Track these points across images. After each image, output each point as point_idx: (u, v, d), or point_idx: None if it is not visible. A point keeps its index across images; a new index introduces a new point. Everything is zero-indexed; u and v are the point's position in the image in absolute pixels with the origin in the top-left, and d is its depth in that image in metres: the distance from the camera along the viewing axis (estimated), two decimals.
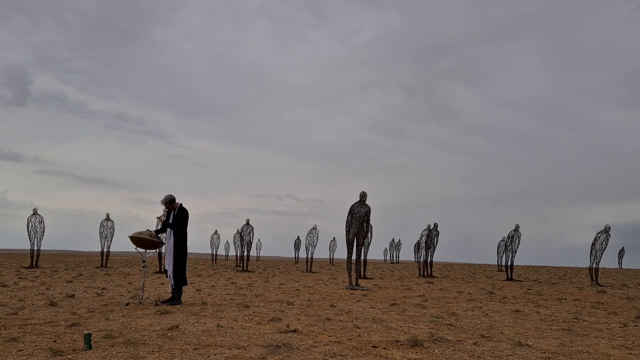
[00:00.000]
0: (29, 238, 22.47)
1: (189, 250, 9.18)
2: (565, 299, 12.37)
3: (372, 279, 19.86)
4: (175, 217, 8.96)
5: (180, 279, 8.88)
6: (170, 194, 8.99)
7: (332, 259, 44.26)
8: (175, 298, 8.82)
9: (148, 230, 9.00)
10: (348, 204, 14.21)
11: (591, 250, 20.48)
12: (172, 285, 8.88)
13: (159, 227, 9.36)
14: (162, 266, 20.35)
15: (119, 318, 7.01)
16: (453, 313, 8.58)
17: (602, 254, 20.33)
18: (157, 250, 9.03)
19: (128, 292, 11.06)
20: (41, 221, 22.67)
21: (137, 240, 8.80)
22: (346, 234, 14.01)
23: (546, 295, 13.24)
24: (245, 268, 24.81)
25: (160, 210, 9.28)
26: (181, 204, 9.07)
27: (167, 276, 9.11)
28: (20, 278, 14.85)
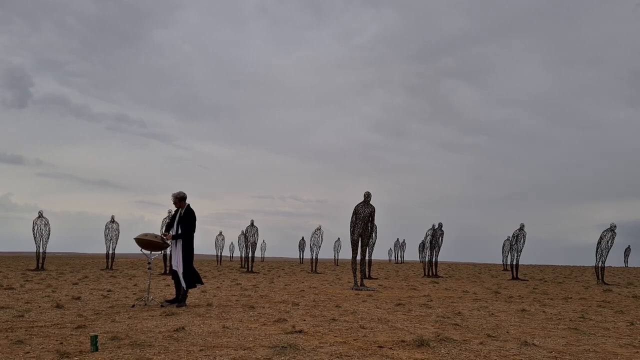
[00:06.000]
0: (35, 241, 22.54)
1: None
2: (571, 298, 12.32)
3: (377, 279, 19.84)
4: (182, 217, 8.98)
5: (189, 280, 8.93)
6: (183, 191, 9.05)
7: (337, 259, 44.20)
8: (181, 299, 8.83)
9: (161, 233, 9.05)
10: (351, 204, 14.20)
11: (597, 249, 20.40)
12: (183, 287, 8.89)
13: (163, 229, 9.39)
14: (168, 267, 20.38)
15: (125, 320, 7.03)
16: (459, 313, 8.56)
17: (608, 252, 20.23)
18: (163, 252, 9.06)
19: (134, 294, 11.09)
20: (46, 224, 22.75)
21: (142, 242, 8.83)
22: (351, 235, 14.00)
23: (552, 295, 13.19)
24: (250, 269, 24.83)
25: (158, 215, 9.34)
26: (189, 205, 9.11)
27: (172, 277, 9.13)
28: (27, 281, 14.92)
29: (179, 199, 9.05)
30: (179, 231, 8.93)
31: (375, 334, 6.24)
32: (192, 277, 8.97)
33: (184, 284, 8.86)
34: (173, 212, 9.23)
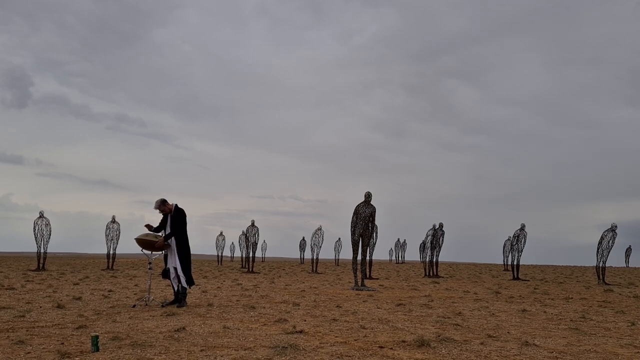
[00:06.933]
0: (36, 241, 22.57)
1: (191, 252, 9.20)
2: (572, 298, 12.32)
3: (377, 279, 19.84)
4: (173, 219, 8.96)
5: (188, 279, 8.92)
6: (161, 197, 9.01)
7: (338, 259, 44.21)
8: (181, 299, 8.83)
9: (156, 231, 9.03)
10: (352, 204, 14.20)
11: (598, 249, 20.39)
12: (180, 286, 8.89)
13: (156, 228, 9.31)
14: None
15: (126, 320, 7.03)
16: (459, 313, 8.56)
17: (608, 252, 20.23)
18: (163, 252, 9.05)
19: (134, 294, 11.09)
20: (47, 224, 22.76)
21: (143, 242, 8.83)
22: (351, 235, 14.00)
23: (553, 295, 13.18)
24: (250, 269, 24.84)
25: (158, 216, 9.26)
26: (176, 205, 9.07)
27: (167, 277, 9.10)
28: (27, 281, 14.93)
29: (162, 204, 9.00)
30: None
31: (376, 334, 6.24)
32: (188, 277, 8.94)
33: (184, 283, 8.85)
34: (163, 217, 9.16)
